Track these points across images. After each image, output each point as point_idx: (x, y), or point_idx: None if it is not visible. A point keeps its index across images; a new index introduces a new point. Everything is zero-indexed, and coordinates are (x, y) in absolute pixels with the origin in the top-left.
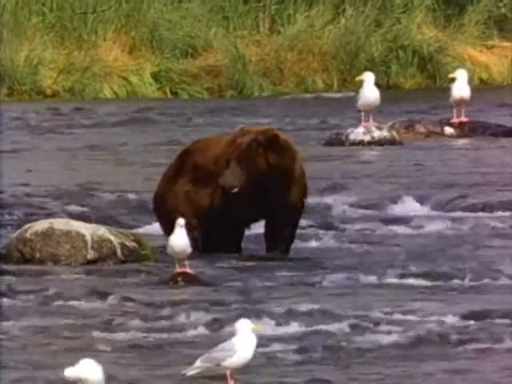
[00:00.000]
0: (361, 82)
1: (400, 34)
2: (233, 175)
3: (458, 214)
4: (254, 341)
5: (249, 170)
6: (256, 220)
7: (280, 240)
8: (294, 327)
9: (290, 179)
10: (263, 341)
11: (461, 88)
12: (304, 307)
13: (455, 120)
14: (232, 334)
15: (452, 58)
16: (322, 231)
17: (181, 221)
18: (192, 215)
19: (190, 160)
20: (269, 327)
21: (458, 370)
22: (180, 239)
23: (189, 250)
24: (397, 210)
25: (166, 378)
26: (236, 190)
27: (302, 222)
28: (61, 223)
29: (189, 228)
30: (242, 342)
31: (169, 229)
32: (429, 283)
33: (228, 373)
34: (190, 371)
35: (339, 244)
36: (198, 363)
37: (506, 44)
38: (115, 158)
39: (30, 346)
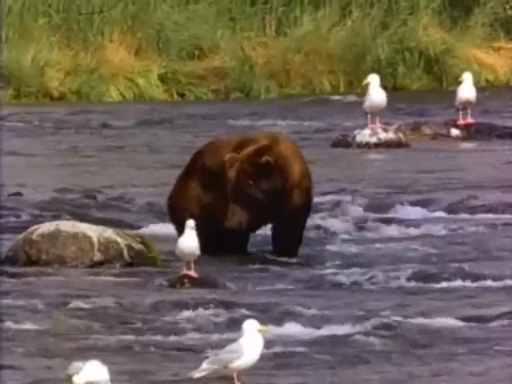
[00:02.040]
0: (367, 86)
1: (406, 36)
2: (236, 215)
3: (464, 215)
4: (260, 342)
5: (246, 203)
6: (261, 226)
7: (287, 242)
8: (300, 328)
9: (287, 185)
10: (270, 342)
11: (466, 90)
12: (311, 309)
13: (461, 122)
14: (239, 335)
15: (458, 59)
16: (328, 233)
17: (191, 222)
18: (200, 216)
19: (200, 161)
20: (275, 328)
21: (463, 371)
22: (189, 241)
23: (197, 252)
24: (403, 212)
25: (172, 380)
26: (245, 225)
27: (309, 224)
28: (67, 225)
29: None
30: (249, 343)
31: (180, 230)
32: (435, 285)
33: (235, 374)
34: (197, 373)
35: (345, 246)
36: (204, 365)
37: None
38: (122, 160)
39: (34, 348)
